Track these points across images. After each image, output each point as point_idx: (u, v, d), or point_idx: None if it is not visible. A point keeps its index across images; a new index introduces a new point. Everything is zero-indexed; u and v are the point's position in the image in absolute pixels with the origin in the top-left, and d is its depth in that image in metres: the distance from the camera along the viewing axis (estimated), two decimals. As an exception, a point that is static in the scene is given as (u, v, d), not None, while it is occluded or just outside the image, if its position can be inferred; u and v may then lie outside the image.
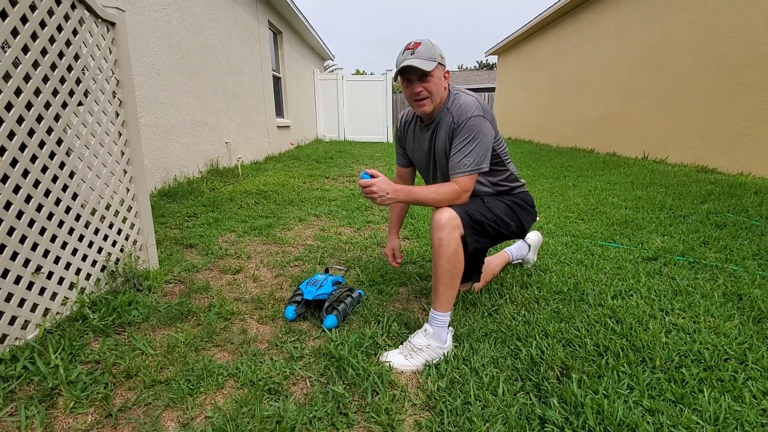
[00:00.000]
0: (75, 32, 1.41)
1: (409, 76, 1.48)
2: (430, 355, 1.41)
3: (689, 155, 5.39)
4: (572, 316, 1.72)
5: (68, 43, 1.39)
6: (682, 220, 2.98)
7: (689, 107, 5.38)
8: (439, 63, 1.47)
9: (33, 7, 1.22)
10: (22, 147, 1.23)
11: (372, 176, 1.43)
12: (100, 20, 1.55)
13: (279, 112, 8.33)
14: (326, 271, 2.00)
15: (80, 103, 1.50)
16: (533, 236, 2.29)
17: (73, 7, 1.39)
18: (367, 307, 1.82)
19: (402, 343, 1.49)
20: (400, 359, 1.39)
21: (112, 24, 1.61)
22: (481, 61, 42.22)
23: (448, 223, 1.41)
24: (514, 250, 2.24)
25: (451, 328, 1.52)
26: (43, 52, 1.27)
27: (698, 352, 1.42)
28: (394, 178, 1.99)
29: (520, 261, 2.29)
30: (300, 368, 1.36)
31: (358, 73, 34.37)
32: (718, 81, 4.95)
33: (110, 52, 1.63)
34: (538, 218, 2.42)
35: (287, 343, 1.52)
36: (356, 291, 1.86)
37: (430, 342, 1.42)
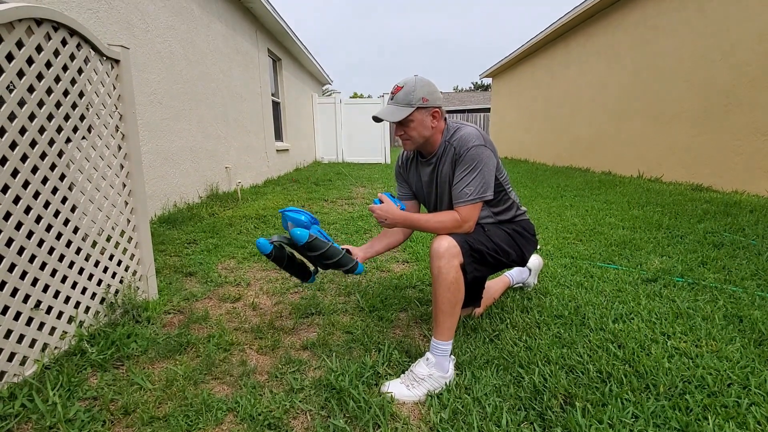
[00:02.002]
0: (80, 71, 1.46)
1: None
2: (432, 385, 1.39)
3: (683, 174, 5.45)
4: (574, 342, 1.71)
5: (73, 82, 1.43)
6: (679, 240, 3.00)
7: (681, 127, 5.47)
8: (419, 107, 1.48)
9: (39, 49, 1.26)
10: (25, 184, 1.25)
11: (381, 201, 1.55)
12: (104, 58, 1.60)
13: (278, 136, 8.44)
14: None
15: (83, 138, 1.53)
16: (534, 260, 2.29)
17: (78, 47, 1.44)
18: (367, 334, 1.81)
19: (403, 372, 1.48)
20: (402, 389, 1.38)
21: (117, 61, 1.66)
22: (476, 83, 43.05)
23: (447, 251, 1.41)
24: (515, 274, 2.24)
25: (452, 356, 1.51)
26: (48, 91, 1.31)
27: (701, 377, 1.41)
28: None
29: (521, 285, 2.29)
30: (300, 401, 1.34)
31: (356, 96, 34.99)
32: (708, 102, 5.05)
33: (114, 87, 1.67)
34: (539, 246, 2.41)
35: (287, 374, 1.51)
36: (355, 260, 1.64)
37: (432, 371, 1.41)
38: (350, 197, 5.73)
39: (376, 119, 1.52)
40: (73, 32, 1.40)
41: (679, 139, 5.51)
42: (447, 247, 1.41)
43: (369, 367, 1.52)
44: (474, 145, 1.48)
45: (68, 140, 1.45)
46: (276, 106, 8.39)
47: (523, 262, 1.73)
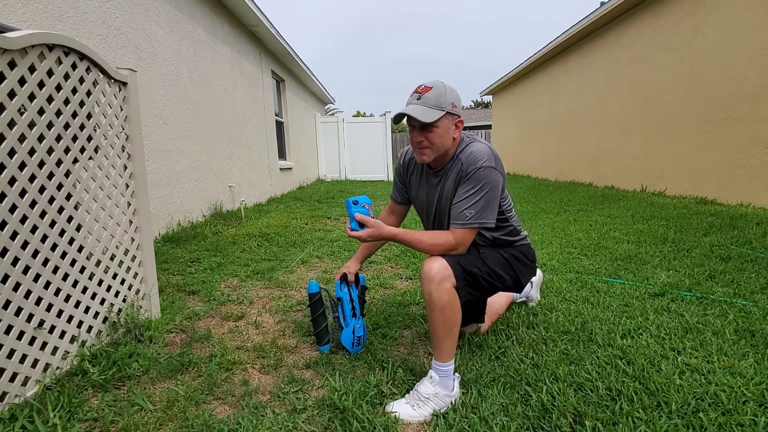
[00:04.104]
0: (89, 93, 1.49)
1: (411, 123, 1.41)
2: (438, 404, 1.36)
3: (687, 187, 5.44)
4: (582, 358, 1.68)
5: (82, 104, 1.46)
6: (685, 254, 2.97)
7: (683, 141, 5.49)
8: (448, 112, 1.37)
9: (50, 73, 1.29)
10: (33, 204, 1.26)
11: (361, 223, 1.40)
12: (113, 81, 1.64)
13: (282, 154, 8.52)
14: (341, 281, 1.84)
15: (90, 158, 1.55)
16: (535, 277, 2.27)
17: (88, 70, 1.48)
18: (371, 352, 1.79)
19: (408, 392, 1.45)
20: (407, 409, 1.35)
21: (124, 84, 1.70)
22: (476, 100, 43.57)
23: (438, 274, 1.34)
24: None
25: (457, 374, 1.48)
26: (58, 113, 1.34)
27: (715, 394, 1.38)
28: (384, 212, 1.89)
29: (524, 299, 2.26)
30: (303, 422, 1.32)
31: (358, 114, 35.44)
32: (708, 116, 5.08)
33: (121, 109, 1.70)
34: (539, 273, 2.35)
35: (290, 394, 1.48)
36: (361, 284, 1.85)
37: (437, 390, 1.38)
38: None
39: (400, 117, 1.37)
40: (83, 56, 1.44)
41: (682, 153, 5.52)
42: (438, 270, 1.34)
43: (373, 386, 1.50)
44: (484, 166, 1.37)
45: (75, 160, 1.47)
46: (279, 125, 8.50)
47: (518, 288, 1.65)
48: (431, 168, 1.56)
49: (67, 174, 1.43)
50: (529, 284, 2.23)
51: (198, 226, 4.25)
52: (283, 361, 1.73)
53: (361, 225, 1.41)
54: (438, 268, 1.35)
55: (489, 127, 20.84)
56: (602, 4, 6.76)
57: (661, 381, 1.46)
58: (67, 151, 1.40)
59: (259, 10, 5.96)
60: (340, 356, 1.78)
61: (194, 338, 1.86)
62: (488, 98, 18.47)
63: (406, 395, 1.42)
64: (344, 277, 1.82)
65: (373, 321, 2.11)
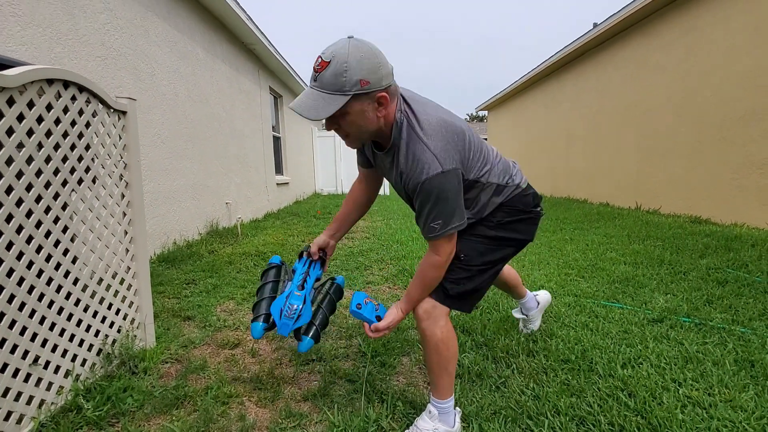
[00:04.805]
0: (88, 125, 1.49)
1: None
2: (439, 442, 1.34)
3: (682, 206, 5.49)
4: (583, 390, 1.67)
5: (80, 135, 1.45)
6: (682, 277, 2.98)
7: (677, 161, 5.56)
8: (356, 94, 1.04)
9: (49, 107, 1.29)
10: (29, 239, 1.25)
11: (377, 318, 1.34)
12: (112, 110, 1.64)
13: (278, 169, 8.53)
14: (302, 255, 1.59)
15: (88, 188, 1.54)
16: (543, 296, 2.20)
17: (87, 102, 1.48)
18: (370, 383, 1.76)
19: (408, 427, 1.43)
20: (408, 448, 1.32)
21: (124, 113, 1.70)
22: (471, 114, 44.07)
23: (426, 313, 1.32)
24: (529, 297, 2.13)
25: (458, 408, 1.46)
26: (56, 146, 1.33)
27: (717, 429, 1.37)
28: (355, 182, 1.65)
29: (525, 317, 2.16)
30: (302, 462, 1.29)
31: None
32: (701, 136, 5.16)
33: (120, 138, 1.70)
34: (547, 296, 2.22)
35: (287, 429, 1.46)
36: (336, 282, 1.63)
37: (437, 426, 1.36)
38: (350, 231, 5.73)
39: (297, 112, 1.09)
40: (82, 88, 1.44)
41: (676, 172, 5.58)
42: (425, 310, 1.31)
43: (373, 421, 1.47)
44: (429, 176, 1.10)
45: (73, 191, 1.46)
46: (277, 140, 8.53)
47: (527, 240, 1.47)
48: (378, 149, 1.28)
49: (64, 207, 1.41)
50: (536, 303, 2.14)
51: (194, 245, 4.21)
52: (280, 394, 1.70)
53: (378, 318, 1.35)
54: (424, 309, 1.32)
55: (485, 140, 21.06)
56: (595, 25, 6.90)
57: (663, 415, 1.44)
58: (64, 184, 1.39)
59: (258, 29, 6.03)
60: (338, 387, 1.75)
61: (190, 369, 1.83)
62: (483, 112, 18.66)
63: (406, 431, 1.40)
64: (307, 252, 1.60)
65: (372, 348, 2.09)
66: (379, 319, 1.35)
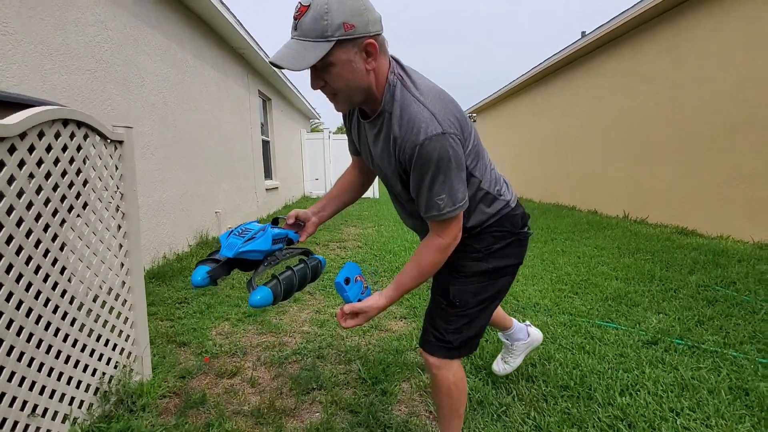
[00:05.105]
0: (85, 160, 1.44)
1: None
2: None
3: (669, 215, 5.61)
4: (584, 420, 1.69)
5: (78, 172, 1.40)
6: (673, 295, 3.04)
7: (665, 170, 5.68)
8: (340, 40, 0.92)
9: (49, 148, 1.24)
10: (28, 287, 1.20)
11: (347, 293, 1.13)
12: (109, 141, 1.59)
13: (267, 174, 8.44)
14: (275, 223, 1.28)
15: (86, 224, 1.49)
16: (535, 333, 1.98)
17: (85, 136, 1.43)
18: (372, 414, 1.75)
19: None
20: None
21: (120, 142, 1.65)
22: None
23: (439, 363, 1.27)
24: (516, 327, 1.93)
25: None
26: (55, 187, 1.28)
27: (717, 466, 1.40)
28: (348, 169, 1.49)
29: (508, 342, 1.93)
30: None
31: (343, 128, 35.50)
32: (689, 146, 5.28)
33: (116, 168, 1.65)
34: (538, 336, 2.01)
35: (293, 471, 1.44)
36: (315, 257, 1.29)
37: None
38: (342, 239, 5.70)
39: (277, 65, 0.94)
40: (80, 124, 1.39)
41: (664, 182, 5.70)
42: (436, 363, 1.27)
43: (379, 461, 1.46)
44: (429, 137, 0.98)
45: (70, 227, 1.41)
46: (266, 144, 8.43)
47: (520, 262, 1.35)
48: (365, 117, 1.14)
49: (62, 247, 1.36)
50: (526, 333, 1.93)
51: (184, 258, 4.13)
52: (282, 428, 1.68)
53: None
54: (431, 362, 1.28)
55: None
56: (583, 35, 7.00)
57: (664, 451, 1.47)
58: (62, 223, 1.34)
59: (247, 33, 5.94)
60: (341, 419, 1.74)
61: (189, 403, 1.79)
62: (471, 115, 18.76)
63: (414, 472, 1.39)
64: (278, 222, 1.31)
65: (371, 374, 2.08)
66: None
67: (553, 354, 2.25)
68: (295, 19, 0.93)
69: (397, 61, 1.09)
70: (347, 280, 1.16)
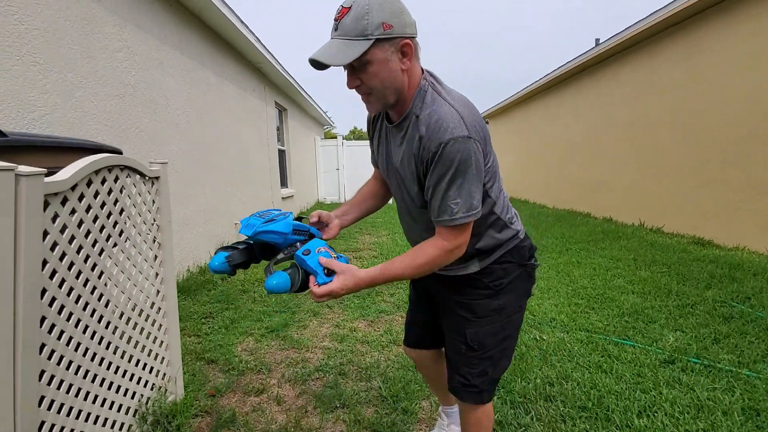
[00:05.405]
0: (128, 197, 1.54)
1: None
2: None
3: (685, 225, 5.56)
4: (601, 443, 1.73)
5: (121, 212, 1.51)
6: (690, 311, 3.05)
7: (681, 180, 5.63)
8: (378, 39, 0.96)
9: (96, 194, 1.34)
10: (69, 317, 1.29)
11: (329, 271, 1.06)
12: (147, 178, 1.70)
13: (283, 182, 8.59)
14: (298, 220, 1.20)
15: (124, 254, 1.60)
16: None
17: (127, 176, 1.53)
18: (395, 434, 1.82)
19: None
20: None
21: (157, 178, 1.76)
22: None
23: (465, 409, 1.32)
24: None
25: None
26: (101, 228, 1.38)
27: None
28: (370, 179, 1.49)
29: (444, 422, 1.76)
30: None
31: (355, 131, 35.69)
32: (705, 156, 5.23)
33: (153, 203, 1.76)
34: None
35: (321, 491, 1.51)
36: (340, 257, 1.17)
37: None
38: (357, 248, 5.79)
39: (315, 64, 0.99)
40: (123, 167, 1.49)
41: (679, 191, 5.65)
42: (467, 405, 1.30)
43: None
44: (454, 137, 0.99)
45: (108, 257, 1.51)
46: (282, 153, 8.59)
47: (530, 295, 1.34)
48: (390, 121, 1.17)
49: (100, 275, 1.47)
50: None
51: (206, 271, 4.27)
52: (309, 450, 1.76)
53: (329, 273, 1.07)
54: (464, 406, 1.31)
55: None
56: (597, 43, 6.98)
57: (681, 477, 1.51)
58: (101, 253, 1.45)
59: (265, 48, 6.08)
60: (365, 439, 1.81)
61: (220, 422, 1.89)
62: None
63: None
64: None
65: (392, 392, 2.15)
66: (329, 275, 1.06)
67: (570, 373, 2.29)
68: (336, 20, 0.99)
69: (430, 72, 1.13)
70: (307, 252, 1.08)
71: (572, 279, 3.95)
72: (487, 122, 15.33)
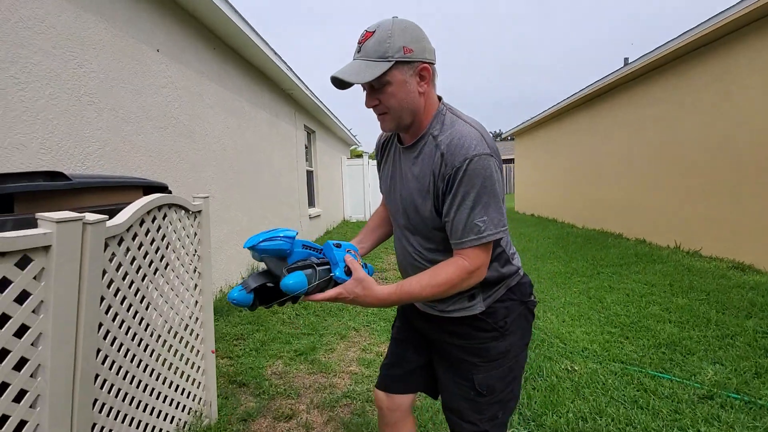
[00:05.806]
0: (174, 231, 1.66)
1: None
2: None
3: (723, 249, 5.32)
4: (637, 486, 1.68)
5: (168, 246, 1.62)
6: (730, 342, 2.91)
7: (716, 202, 5.42)
8: (398, 61, 1.01)
9: (147, 232, 1.46)
10: (119, 347, 1.40)
11: (348, 270, 1.05)
12: (190, 213, 1.82)
13: (311, 202, 8.79)
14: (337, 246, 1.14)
15: (168, 284, 1.71)
16: None
17: (174, 212, 1.65)
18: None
19: None
20: None
21: (199, 212, 1.88)
22: (494, 132, 43.94)
23: None
24: None
25: None
26: (145, 255, 1.50)
27: None
28: (379, 207, 1.48)
29: None
30: None
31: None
32: (740, 178, 5.03)
33: (195, 235, 1.87)
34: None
35: None
36: (366, 265, 1.17)
37: None
38: (383, 269, 5.83)
39: (337, 82, 1.03)
40: (171, 205, 1.62)
41: (715, 214, 5.44)
42: None
43: None
44: (478, 154, 1.00)
45: (154, 288, 1.62)
46: (309, 174, 8.82)
47: (531, 334, 1.31)
48: (401, 142, 1.19)
49: (147, 305, 1.57)
50: None
51: (238, 292, 4.41)
52: (338, 480, 1.78)
53: (348, 273, 1.06)
54: None
55: (511, 161, 21.03)
56: (626, 62, 6.89)
57: None
58: (144, 278, 1.55)
59: (296, 76, 6.35)
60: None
61: (252, 448, 1.95)
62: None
63: None
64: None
65: (419, 422, 2.15)
66: (348, 274, 1.05)
67: (604, 408, 2.23)
68: (360, 43, 1.04)
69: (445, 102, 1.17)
70: (338, 245, 1.08)
71: (605, 305, 3.85)
72: (512, 139, 15.16)
